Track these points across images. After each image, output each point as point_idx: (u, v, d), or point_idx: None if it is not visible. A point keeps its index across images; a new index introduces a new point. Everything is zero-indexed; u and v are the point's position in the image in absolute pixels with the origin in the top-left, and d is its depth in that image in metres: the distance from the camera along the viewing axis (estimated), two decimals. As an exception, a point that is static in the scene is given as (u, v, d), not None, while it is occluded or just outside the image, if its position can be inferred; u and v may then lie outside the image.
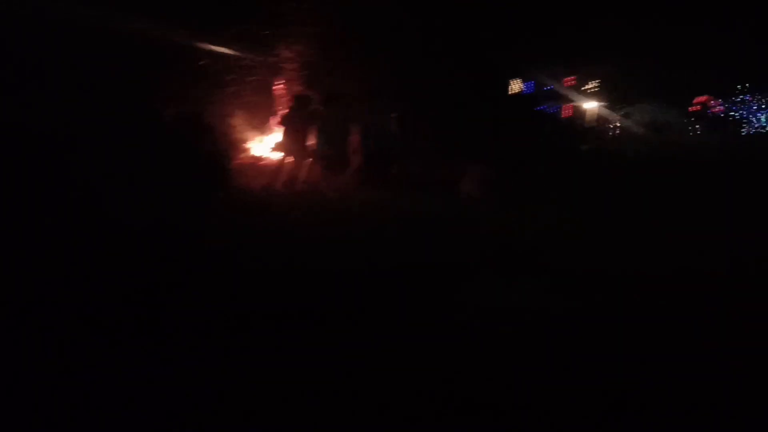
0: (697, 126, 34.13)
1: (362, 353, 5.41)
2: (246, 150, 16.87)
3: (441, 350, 5.47)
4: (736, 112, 44.38)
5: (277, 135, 16.74)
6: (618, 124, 30.38)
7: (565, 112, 30.38)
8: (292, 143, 14.98)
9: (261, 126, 16.96)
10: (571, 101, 30.29)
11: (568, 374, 5.07)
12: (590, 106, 29.85)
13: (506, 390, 4.78)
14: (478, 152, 16.25)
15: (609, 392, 4.69)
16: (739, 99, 42.90)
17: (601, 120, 29.60)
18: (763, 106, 42.64)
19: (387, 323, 6.13)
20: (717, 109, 39.73)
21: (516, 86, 28.95)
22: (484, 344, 5.55)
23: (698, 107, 35.04)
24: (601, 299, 6.91)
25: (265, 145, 17.06)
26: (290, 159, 15.09)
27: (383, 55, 17.18)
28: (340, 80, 16.47)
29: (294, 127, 14.94)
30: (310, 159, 15.14)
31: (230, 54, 15.79)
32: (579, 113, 30.08)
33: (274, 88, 16.94)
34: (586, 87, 32.37)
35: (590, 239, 9.94)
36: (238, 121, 16.22)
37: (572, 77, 30.78)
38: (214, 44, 15.34)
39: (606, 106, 30.02)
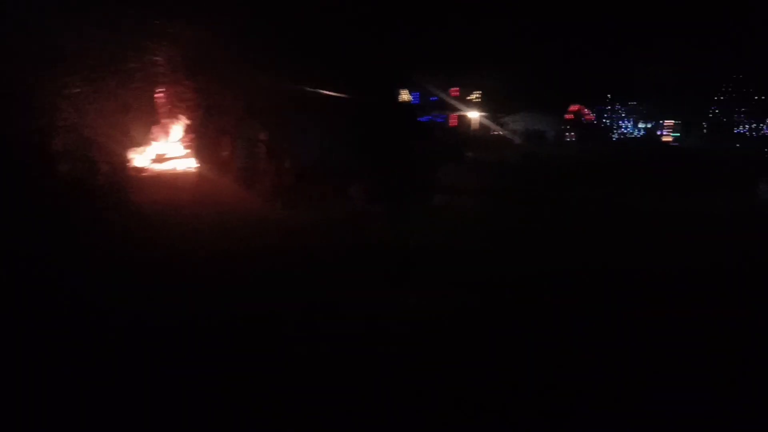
0: (572, 133, 36.57)
1: (253, 363, 5.36)
2: (128, 161, 16.41)
3: (332, 359, 5.49)
4: (605, 120, 48.11)
5: (160, 145, 16.45)
6: (499, 132, 32.14)
7: (451, 121, 31.76)
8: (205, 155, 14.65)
9: (142, 136, 16.56)
10: (457, 111, 31.71)
11: (455, 372, 5.25)
12: (474, 115, 31.39)
13: (400, 393, 4.80)
14: (365, 162, 16.65)
15: (489, 389, 4.85)
16: (608, 108, 46.54)
17: (483, 128, 31.22)
18: (623, 114, 46.68)
19: (274, 336, 6.07)
20: (589, 117, 42.74)
21: (403, 96, 29.99)
22: (375, 348, 5.68)
23: (572, 116, 37.61)
24: (487, 300, 7.25)
25: (147, 155, 16.70)
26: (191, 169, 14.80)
27: (270, 68, 17.27)
28: (226, 91, 16.40)
29: (207, 140, 14.68)
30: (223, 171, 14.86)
31: (108, 61, 15.23)
32: (464, 123, 31.55)
33: (155, 96, 16.61)
34: (470, 97, 34.05)
35: (476, 244, 10.39)
36: (117, 131, 15.69)
37: (456, 88, 32.31)
38: (91, 50, 14.69)
39: (488, 116, 31.68)
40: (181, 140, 16.72)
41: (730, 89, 60.49)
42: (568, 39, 34.73)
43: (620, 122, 48.44)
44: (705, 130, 45.86)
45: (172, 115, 16.59)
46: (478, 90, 35.05)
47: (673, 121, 51.75)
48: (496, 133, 31.04)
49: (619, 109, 49.02)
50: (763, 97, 60.91)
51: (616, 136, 44.09)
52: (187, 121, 16.58)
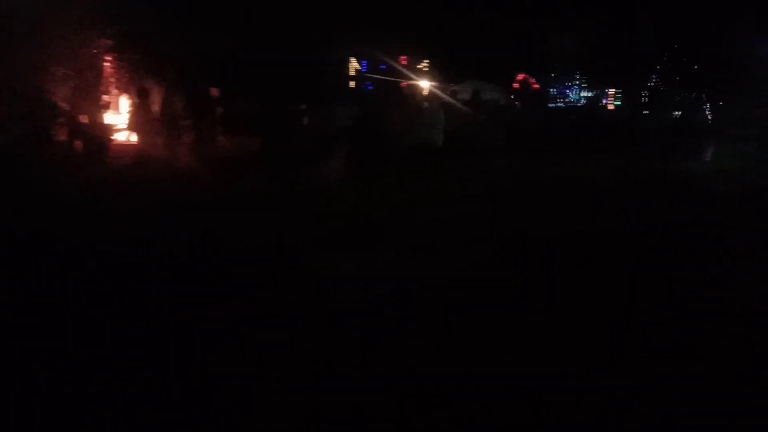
0: (518, 102, 37.26)
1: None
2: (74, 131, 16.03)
3: (310, 339, 5.16)
4: (552, 89, 49.38)
5: (110, 115, 16.22)
6: (449, 102, 32.57)
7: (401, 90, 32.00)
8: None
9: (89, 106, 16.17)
10: (406, 80, 31.98)
11: (432, 346, 5.09)
12: (423, 84, 31.73)
13: (386, 370, 4.64)
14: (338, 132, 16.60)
15: (471, 365, 4.76)
16: (553, 76, 47.69)
17: (432, 97, 31.57)
18: (569, 83, 48.11)
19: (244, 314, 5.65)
20: (535, 86, 43.53)
21: (353, 66, 30.11)
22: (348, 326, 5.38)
23: (518, 85, 38.31)
24: (451, 269, 7.42)
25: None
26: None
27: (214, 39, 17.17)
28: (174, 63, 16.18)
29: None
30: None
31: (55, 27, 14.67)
32: (413, 91, 31.82)
33: (104, 65, 16.28)
34: (419, 66, 34.33)
35: (436, 212, 10.57)
36: (61, 101, 15.24)
37: (405, 56, 32.51)
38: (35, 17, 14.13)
39: (436, 86, 32.06)
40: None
41: (666, 59, 62.68)
42: (515, 5, 35.34)
43: (566, 91, 49.85)
44: (645, 99, 47.46)
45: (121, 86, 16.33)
46: (426, 59, 35.42)
47: (614, 90, 53.32)
48: (445, 102, 31.40)
49: (563, 78, 50.39)
50: (696, 67, 63.36)
51: (562, 104, 45.29)
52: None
